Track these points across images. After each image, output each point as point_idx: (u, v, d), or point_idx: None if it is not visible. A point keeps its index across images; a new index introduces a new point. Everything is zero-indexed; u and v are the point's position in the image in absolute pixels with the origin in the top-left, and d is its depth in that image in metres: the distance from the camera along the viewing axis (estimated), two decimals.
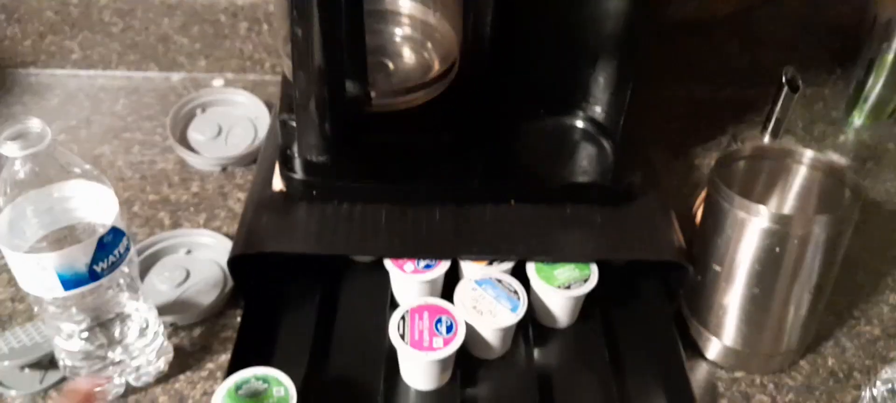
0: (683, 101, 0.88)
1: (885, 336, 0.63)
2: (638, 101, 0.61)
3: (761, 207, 0.51)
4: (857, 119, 0.85)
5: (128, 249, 0.52)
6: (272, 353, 0.59)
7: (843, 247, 0.54)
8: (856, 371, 0.61)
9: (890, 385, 0.54)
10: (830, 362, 0.61)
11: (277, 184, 0.64)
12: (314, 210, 0.62)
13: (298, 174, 0.62)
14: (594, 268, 0.60)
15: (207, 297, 0.64)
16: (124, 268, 0.52)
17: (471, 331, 0.56)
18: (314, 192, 0.62)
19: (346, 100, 0.55)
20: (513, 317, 0.56)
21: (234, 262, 0.60)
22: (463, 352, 0.57)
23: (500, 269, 0.61)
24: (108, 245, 0.50)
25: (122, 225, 0.51)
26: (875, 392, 0.55)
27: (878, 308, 0.66)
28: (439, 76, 0.64)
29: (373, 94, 0.59)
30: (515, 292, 0.58)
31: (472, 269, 0.61)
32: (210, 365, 0.60)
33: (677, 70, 0.89)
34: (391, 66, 0.67)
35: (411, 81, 0.64)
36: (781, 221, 0.51)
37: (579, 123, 0.68)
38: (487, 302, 0.57)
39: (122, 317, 0.54)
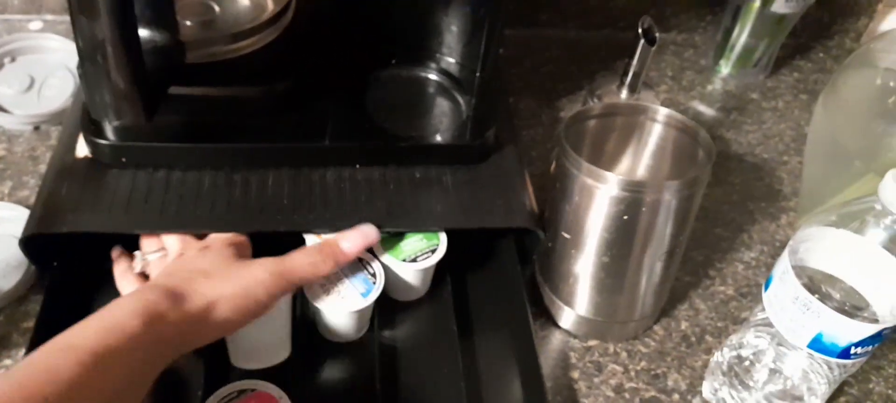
0: (556, 43, 0.84)
1: (737, 296, 0.62)
2: (493, 52, 0.55)
3: (609, 174, 0.48)
4: (725, 67, 0.83)
5: None
6: None
7: (695, 210, 0.52)
8: (708, 333, 0.60)
9: (735, 352, 0.53)
10: (683, 325, 0.60)
11: (82, 149, 0.55)
12: (125, 179, 0.54)
13: (105, 137, 0.53)
14: (443, 237, 0.56)
15: (7, 281, 0.56)
16: None
17: (322, 315, 0.52)
18: (124, 159, 0.54)
19: (145, 52, 0.47)
20: (359, 302, 0.51)
21: (29, 242, 0.51)
22: (315, 334, 0.53)
23: None
24: None
25: None
26: (721, 358, 0.54)
27: (732, 266, 0.65)
28: (272, 19, 0.57)
29: (187, 43, 0.52)
30: (373, 275, 0.52)
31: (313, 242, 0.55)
32: (7, 361, 0.52)
33: (553, 8, 0.85)
34: (217, 8, 0.58)
35: (239, 26, 0.56)
36: (630, 188, 0.48)
37: (433, 75, 0.63)
38: (335, 281, 0.52)
39: None
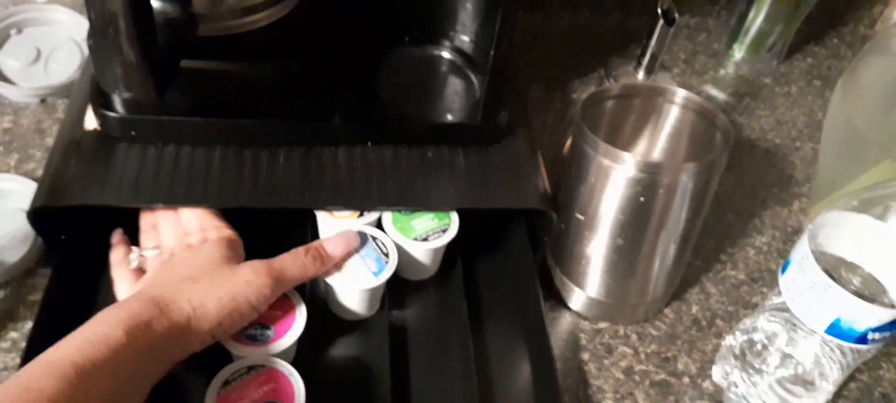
0: (567, 30, 0.84)
1: (749, 281, 0.62)
2: (508, 31, 0.55)
3: (626, 155, 0.47)
4: (738, 52, 0.82)
5: None
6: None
7: (711, 195, 0.52)
8: (718, 318, 0.59)
9: (747, 336, 0.53)
10: (694, 309, 0.60)
11: (90, 121, 0.54)
12: (134, 153, 0.53)
13: (115, 110, 0.53)
14: (454, 217, 0.55)
15: (13, 254, 0.55)
16: None
17: (334, 293, 0.52)
18: (133, 132, 0.53)
19: (157, 24, 0.46)
20: (370, 281, 0.51)
21: (37, 214, 0.51)
22: (327, 312, 0.52)
23: (364, 222, 0.54)
24: None
25: None
26: (733, 342, 0.54)
27: (744, 251, 0.64)
28: None
29: (199, 15, 0.51)
30: (386, 255, 0.52)
31: (328, 223, 0.55)
32: (13, 335, 0.52)
33: None
34: None
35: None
36: (647, 169, 0.47)
37: (446, 54, 0.62)
38: (350, 258, 0.51)
39: None
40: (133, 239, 0.53)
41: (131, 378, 0.40)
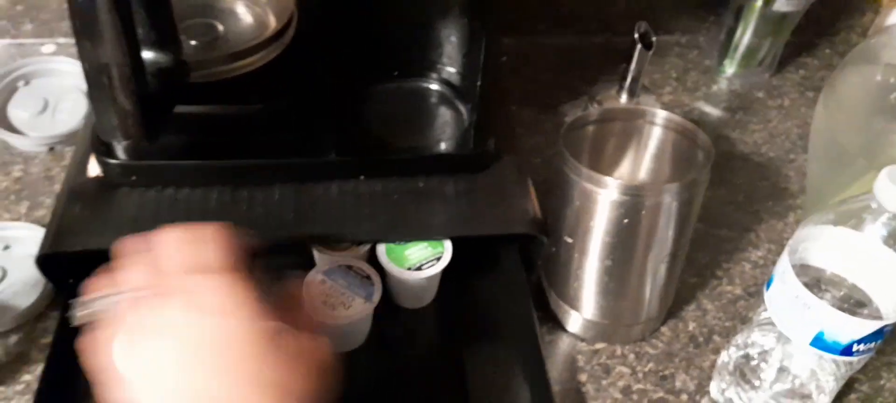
0: (555, 51, 0.85)
1: (745, 296, 0.62)
2: (491, 60, 0.56)
3: (608, 179, 0.48)
4: (729, 67, 0.83)
5: None
6: None
7: (696, 211, 0.52)
8: (715, 334, 0.60)
9: (743, 351, 0.53)
10: (691, 326, 0.60)
11: (93, 169, 0.56)
12: (134, 197, 0.55)
13: (115, 157, 0.55)
14: (448, 244, 0.56)
15: (26, 299, 0.57)
16: None
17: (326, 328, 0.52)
18: (134, 177, 0.55)
19: (150, 73, 0.48)
20: (366, 308, 0.52)
21: (44, 260, 0.53)
22: None
23: (353, 255, 0.56)
24: None
25: None
26: (728, 357, 0.54)
27: (739, 266, 0.65)
28: (274, 36, 0.58)
29: (190, 63, 0.53)
30: (368, 277, 0.54)
31: (323, 257, 0.56)
32: (27, 377, 0.54)
33: (550, 17, 0.85)
34: (220, 27, 0.59)
35: (242, 45, 0.57)
36: (629, 191, 0.48)
37: (434, 86, 0.63)
38: (337, 293, 0.53)
39: None
40: None
41: None
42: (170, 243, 0.37)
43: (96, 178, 0.56)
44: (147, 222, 0.53)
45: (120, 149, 0.55)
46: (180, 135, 0.55)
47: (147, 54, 0.50)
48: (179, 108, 0.55)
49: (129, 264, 0.37)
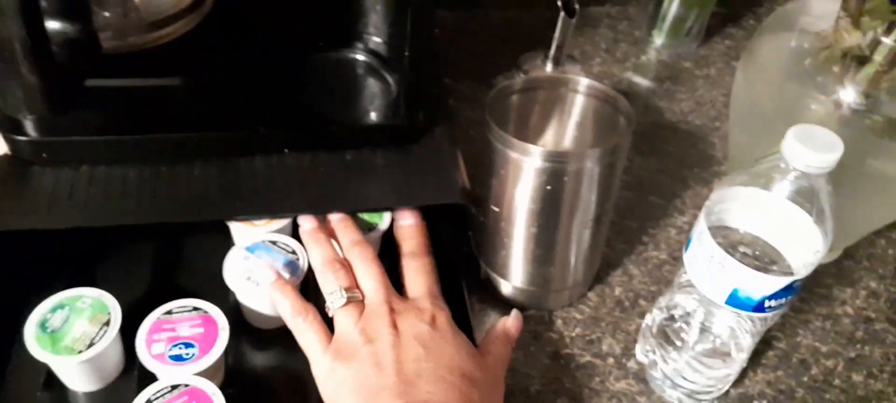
0: (494, 24, 0.85)
1: (671, 260, 0.64)
2: (422, 29, 0.55)
3: (532, 146, 0.48)
4: (658, 38, 0.85)
5: None
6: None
7: (618, 176, 0.53)
8: (641, 298, 0.61)
9: (667, 313, 0.55)
10: (617, 291, 0.61)
11: (1, 146, 0.54)
12: (47, 175, 0.53)
13: (24, 133, 0.52)
14: (386, 216, 0.56)
15: None
16: None
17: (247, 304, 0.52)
18: (45, 155, 0.53)
19: (56, 45, 0.46)
20: (292, 282, 0.51)
21: None
22: (240, 323, 0.52)
23: (271, 229, 0.55)
24: None
25: None
26: (651, 320, 0.55)
27: (665, 232, 0.66)
28: (193, 4, 0.56)
29: (102, 32, 0.51)
30: (293, 252, 0.53)
31: (242, 233, 0.55)
32: None
33: None
34: None
35: (159, 14, 0.56)
36: (552, 158, 0.49)
37: (361, 56, 0.62)
38: (262, 269, 0.52)
39: None
40: (49, 271, 0.53)
41: None
42: None
43: (5, 156, 0.54)
44: (61, 201, 0.52)
45: (29, 125, 0.52)
46: (96, 110, 0.53)
47: (54, 25, 0.48)
48: (94, 82, 0.53)
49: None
